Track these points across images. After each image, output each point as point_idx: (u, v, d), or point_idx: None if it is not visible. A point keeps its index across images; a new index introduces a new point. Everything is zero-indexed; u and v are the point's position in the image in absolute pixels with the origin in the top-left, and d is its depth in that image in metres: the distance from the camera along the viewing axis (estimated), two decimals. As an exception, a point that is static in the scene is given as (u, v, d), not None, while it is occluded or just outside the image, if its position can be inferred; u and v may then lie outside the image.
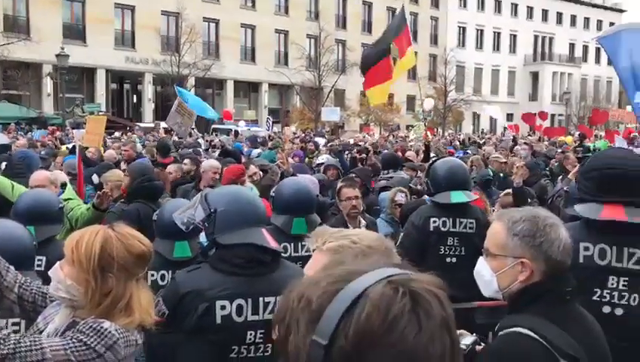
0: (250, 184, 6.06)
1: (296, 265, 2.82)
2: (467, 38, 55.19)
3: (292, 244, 3.65)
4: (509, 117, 45.36)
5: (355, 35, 46.79)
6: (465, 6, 54.79)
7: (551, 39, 60.09)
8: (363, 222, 4.58)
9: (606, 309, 2.53)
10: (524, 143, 16.54)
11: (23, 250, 2.73)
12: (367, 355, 0.82)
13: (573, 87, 52.81)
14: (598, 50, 56.01)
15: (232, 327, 2.45)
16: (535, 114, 27.29)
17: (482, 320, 3.07)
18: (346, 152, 10.93)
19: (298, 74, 41.00)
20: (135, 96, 40.22)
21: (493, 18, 56.40)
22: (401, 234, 4.36)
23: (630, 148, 8.43)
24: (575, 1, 60.94)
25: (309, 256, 1.74)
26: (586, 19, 62.03)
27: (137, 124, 30.68)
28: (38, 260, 3.06)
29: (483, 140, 22.69)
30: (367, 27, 48.26)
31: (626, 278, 2.55)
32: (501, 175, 8.68)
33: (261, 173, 6.92)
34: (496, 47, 57.54)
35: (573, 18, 61.57)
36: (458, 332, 1.77)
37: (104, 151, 10.38)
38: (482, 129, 45.40)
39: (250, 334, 2.48)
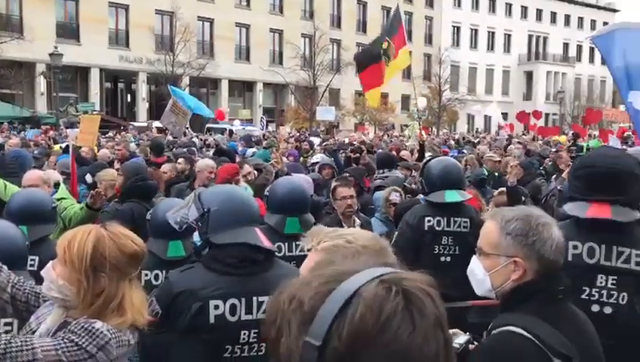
0: (244, 183, 6.05)
1: (290, 265, 2.82)
2: (461, 37, 55.30)
3: (286, 244, 3.65)
4: (504, 116, 45.46)
5: (349, 34, 46.81)
6: (459, 5, 54.90)
7: (545, 39, 60.29)
8: (357, 221, 4.58)
9: (595, 308, 2.54)
10: (518, 143, 16.57)
11: (15, 249, 2.72)
12: (360, 355, 0.82)
13: (567, 87, 52.96)
14: (592, 49, 56.26)
15: (225, 327, 2.45)
16: (529, 113, 27.35)
17: (475, 319, 3.08)
18: (341, 151, 10.93)
19: (293, 73, 40.96)
20: (129, 96, 40.09)
21: (488, 18, 56.54)
22: (396, 233, 4.36)
23: (624, 147, 8.46)
24: (569, 0, 61.16)
25: (304, 256, 1.73)
26: (580, 19, 62.27)
27: (131, 123, 30.65)
28: (31, 260, 3.05)
29: (477, 139, 22.74)
30: (362, 26, 48.29)
31: (615, 277, 2.56)
32: (495, 174, 8.70)
33: (255, 172, 6.91)
34: (491, 46, 57.68)
35: (567, 18, 61.79)
36: (452, 331, 1.78)
37: (98, 151, 10.35)
38: (477, 128, 45.51)
39: (244, 334, 2.48)
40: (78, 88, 35.93)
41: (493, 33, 57.40)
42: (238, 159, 9.18)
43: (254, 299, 2.49)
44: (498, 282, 1.94)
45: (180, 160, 8.27)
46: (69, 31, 35.44)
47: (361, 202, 5.45)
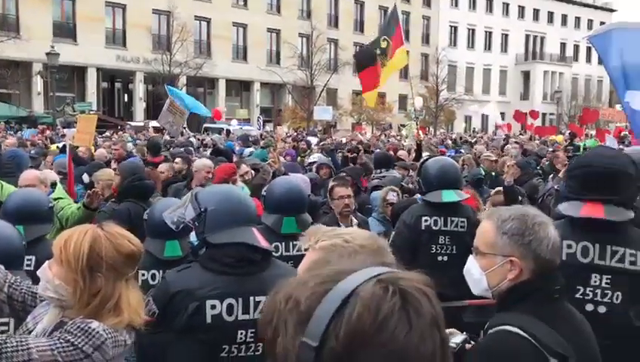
0: (241, 183, 6.05)
1: (287, 265, 2.81)
2: (459, 37, 55.35)
3: (283, 244, 3.65)
4: (501, 116, 45.53)
5: (347, 34, 46.81)
6: (456, 5, 54.94)
7: (542, 38, 60.38)
8: (355, 220, 4.59)
9: (589, 307, 2.54)
10: (515, 142, 16.60)
11: (12, 249, 2.72)
12: (358, 355, 0.81)
13: (565, 86, 53.08)
14: (589, 49, 56.36)
15: (222, 327, 2.44)
16: (526, 113, 27.40)
17: (472, 319, 3.08)
18: (338, 151, 10.94)
19: (290, 73, 40.95)
20: (126, 95, 40.04)
21: (485, 17, 56.59)
22: (393, 232, 4.36)
23: (620, 147, 8.48)
24: (566, 0, 61.26)
25: (301, 256, 1.73)
26: (577, 19, 62.37)
27: (129, 123, 30.58)
28: (28, 260, 3.05)
29: (475, 139, 22.77)
30: (360, 26, 48.29)
31: (609, 276, 2.56)
32: (493, 174, 8.71)
33: (253, 172, 6.91)
34: (488, 46, 57.74)
35: (564, 17, 61.89)
36: (448, 331, 1.78)
37: (95, 150, 10.33)
38: (474, 128, 45.56)
39: (241, 333, 2.48)
40: (75, 88, 35.88)
41: (490, 33, 57.47)
42: (235, 159, 9.17)
43: (251, 298, 2.49)
44: (494, 281, 1.94)
45: (178, 160, 8.25)
46: (65, 30, 35.36)
47: (358, 202, 5.46)
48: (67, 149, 7.21)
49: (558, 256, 1.94)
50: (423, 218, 4.12)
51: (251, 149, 13.27)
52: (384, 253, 1.69)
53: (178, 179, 7.21)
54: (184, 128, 17.26)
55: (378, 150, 11.50)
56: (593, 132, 23.00)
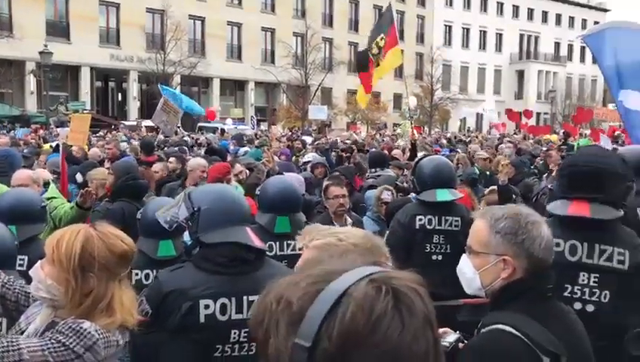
0: (235, 182, 6.03)
1: (281, 264, 2.81)
2: (453, 36, 55.45)
3: (277, 243, 3.64)
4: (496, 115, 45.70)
5: (341, 33, 46.82)
6: (451, 5, 55.04)
7: (536, 38, 60.58)
8: (349, 220, 4.59)
9: (577, 305, 2.54)
10: (509, 142, 16.64)
11: (4, 249, 2.71)
12: (351, 356, 0.81)
13: (559, 86, 53.24)
14: (583, 48, 56.59)
15: (215, 326, 2.43)
16: (520, 112, 27.49)
17: (465, 318, 3.08)
18: (332, 151, 10.95)
19: (285, 72, 40.90)
20: (120, 95, 39.89)
21: (479, 17, 56.72)
22: (387, 232, 4.37)
23: (614, 146, 8.49)
24: (560, 0, 61.47)
25: (295, 255, 1.74)
26: (571, 18, 62.60)
27: (122, 122, 30.49)
28: (20, 260, 3.04)
29: (469, 138, 22.81)
30: (354, 25, 48.30)
31: (597, 275, 2.57)
32: (487, 173, 8.73)
33: (247, 171, 6.90)
34: (482, 45, 57.88)
35: (559, 17, 62.11)
36: (441, 330, 1.78)
37: (88, 150, 10.29)
38: (468, 127, 45.65)
39: (234, 333, 2.47)
40: (68, 87, 35.71)
41: (484, 32, 57.61)
42: (229, 158, 9.15)
43: (245, 298, 2.48)
44: (488, 280, 1.94)
45: (172, 159, 8.23)
46: (59, 29, 35.17)
47: (352, 201, 5.46)
48: (60, 148, 7.18)
49: (551, 255, 1.95)
50: (418, 217, 4.13)
51: (246, 148, 13.25)
52: (378, 252, 1.69)
53: (172, 179, 7.18)
54: (178, 127, 17.22)
55: (373, 149, 11.52)
56: (587, 131, 23.08)
